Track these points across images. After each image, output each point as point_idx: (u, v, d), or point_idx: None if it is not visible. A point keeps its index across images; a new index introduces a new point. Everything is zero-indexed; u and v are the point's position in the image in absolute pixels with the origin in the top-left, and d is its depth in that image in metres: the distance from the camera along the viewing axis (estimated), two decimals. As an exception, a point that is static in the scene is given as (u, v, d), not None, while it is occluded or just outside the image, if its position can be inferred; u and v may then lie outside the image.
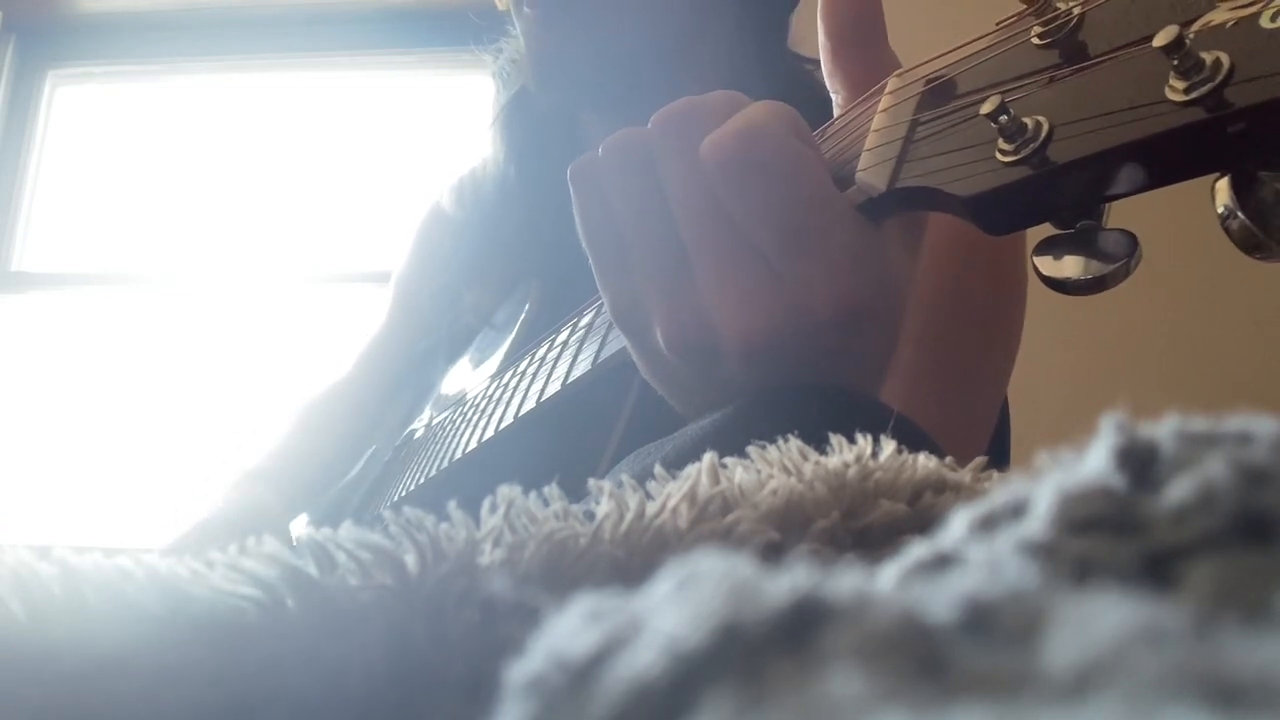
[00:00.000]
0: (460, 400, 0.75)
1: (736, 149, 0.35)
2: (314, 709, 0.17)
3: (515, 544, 0.19)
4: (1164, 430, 0.13)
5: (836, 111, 0.39)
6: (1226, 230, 0.27)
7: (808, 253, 0.34)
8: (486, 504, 0.19)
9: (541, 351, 0.62)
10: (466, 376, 0.81)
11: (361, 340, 0.96)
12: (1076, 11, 0.29)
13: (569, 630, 0.11)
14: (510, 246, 0.80)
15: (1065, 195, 0.29)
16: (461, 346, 0.85)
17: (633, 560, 0.19)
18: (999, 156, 0.29)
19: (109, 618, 0.16)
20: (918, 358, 0.58)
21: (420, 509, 0.19)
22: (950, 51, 0.34)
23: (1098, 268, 0.29)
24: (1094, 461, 0.13)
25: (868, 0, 0.38)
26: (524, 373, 0.62)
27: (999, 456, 0.72)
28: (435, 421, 0.78)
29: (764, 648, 0.10)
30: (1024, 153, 0.29)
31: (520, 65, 0.79)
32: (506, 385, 0.65)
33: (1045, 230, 0.31)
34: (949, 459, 0.24)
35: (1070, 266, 0.29)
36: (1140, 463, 0.12)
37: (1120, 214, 0.32)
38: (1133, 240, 0.29)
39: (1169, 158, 0.27)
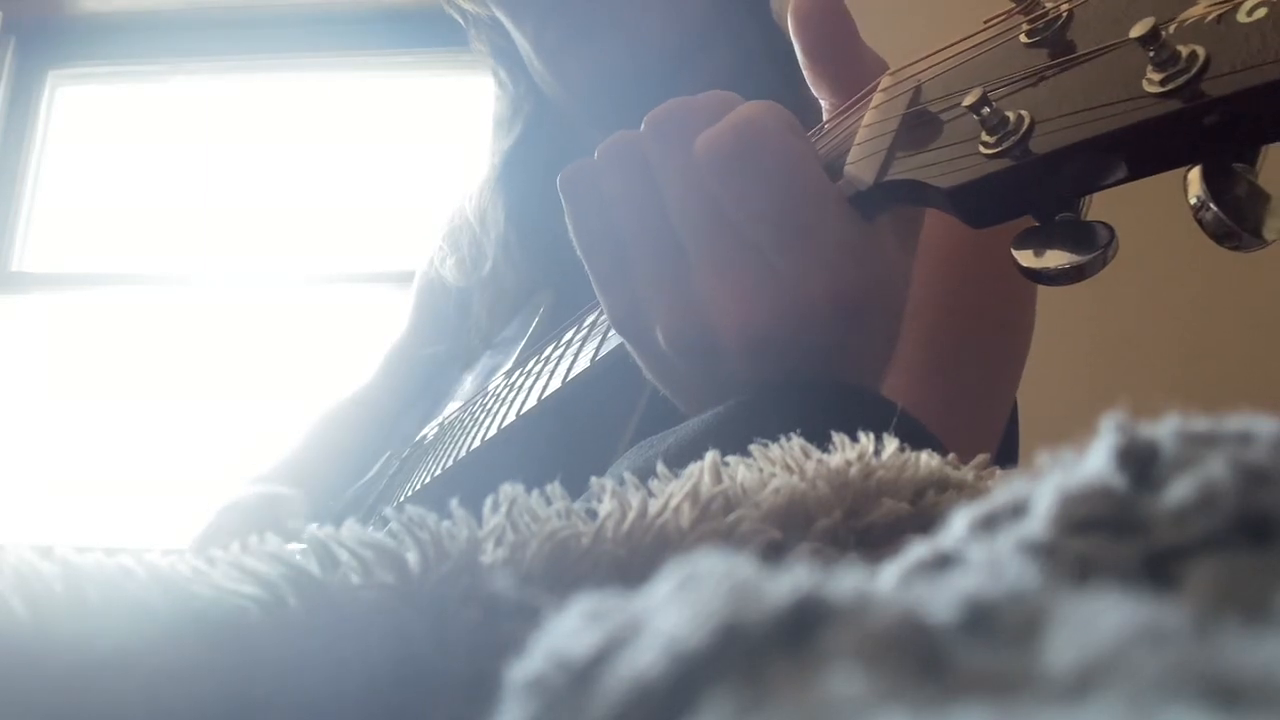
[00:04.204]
0: (471, 399, 0.76)
1: (731, 144, 0.35)
2: (315, 707, 0.17)
3: (517, 543, 0.19)
4: (1164, 430, 0.13)
5: (825, 116, 0.40)
6: (1199, 221, 0.27)
7: (802, 246, 0.35)
8: (489, 502, 0.19)
9: (548, 351, 0.62)
10: (479, 378, 0.81)
11: (384, 345, 0.97)
12: (1065, 9, 0.30)
13: (570, 630, 0.11)
14: (516, 296, 0.80)
15: (1045, 187, 0.29)
16: (477, 354, 0.85)
17: (634, 559, 0.19)
18: (981, 149, 0.30)
19: (111, 616, 0.16)
20: (928, 359, 0.58)
21: (426, 507, 0.19)
22: (942, 50, 0.34)
23: (1075, 258, 0.29)
24: (1094, 461, 0.13)
25: (834, 10, 0.38)
26: (531, 371, 0.63)
27: (1008, 458, 0.72)
28: (447, 420, 0.79)
29: (764, 648, 0.10)
30: (1005, 145, 0.29)
31: (517, 98, 0.80)
32: (514, 385, 0.65)
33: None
34: (951, 456, 0.24)
35: (1048, 257, 0.30)
36: (1141, 463, 0.12)
37: (1120, 210, 0.32)
38: (1109, 231, 0.29)
39: (1146, 149, 0.27)
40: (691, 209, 0.36)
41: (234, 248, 1.91)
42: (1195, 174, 0.27)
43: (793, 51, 0.39)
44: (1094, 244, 0.29)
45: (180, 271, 1.90)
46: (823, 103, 0.40)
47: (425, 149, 1.90)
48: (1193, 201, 0.27)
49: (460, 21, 0.82)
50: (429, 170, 1.87)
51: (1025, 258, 0.30)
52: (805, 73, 0.39)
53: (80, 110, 2.03)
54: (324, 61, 1.98)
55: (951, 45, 0.34)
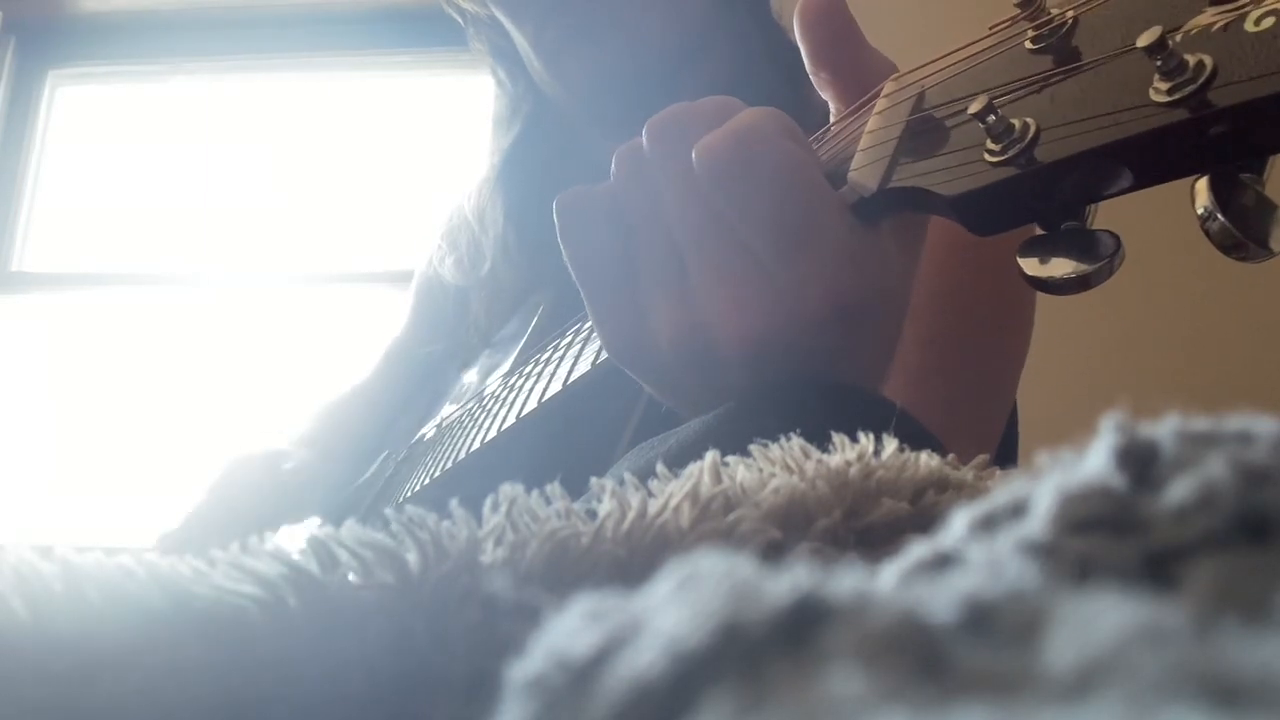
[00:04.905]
0: (470, 401, 0.76)
1: (730, 151, 0.35)
2: (315, 707, 0.17)
3: (517, 543, 0.19)
4: (1164, 430, 0.13)
5: (832, 119, 0.40)
6: (1206, 231, 0.27)
7: (800, 252, 0.34)
8: (489, 502, 0.19)
9: (547, 353, 0.62)
10: (478, 377, 0.81)
11: (382, 344, 0.97)
12: (1070, 16, 0.29)
13: (569, 630, 0.11)
14: (514, 295, 0.80)
15: (1050, 195, 0.29)
16: (476, 353, 0.86)
17: (634, 559, 0.19)
18: (986, 157, 0.30)
19: (110, 616, 0.16)
20: (928, 359, 0.58)
21: (426, 509, 0.19)
22: (945, 56, 0.34)
23: (1081, 267, 0.29)
24: (1094, 461, 0.13)
25: (838, 15, 0.38)
26: (530, 374, 0.63)
27: (1008, 458, 0.72)
28: (445, 422, 0.79)
29: (764, 648, 0.10)
30: (1010, 153, 0.29)
31: (519, 96, 0.80)
32: (513, 386, 0.65)
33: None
34: (951, 456, 0.24)
35: (1054, 266, 0.30)
36: (1140, 462, 0.12)
37: (1121, 214, 0.32)
38: (1115, 240, 0.29)
39: (1152, 158, 0.27)
40: (690, 215, 0.36)
41: (234, 247, 1.91)
42: (1202, 184, 0.27)
43: (794, 51, 0.39)
44: (1100, 253, 0.29)
45: (180, 271, 1.90)
46: (830, 106, 0.40)
47: (425, 149, 1.90)
48: (1199, 212, 0.27)
49: (459, 21, 0.82)
50: (429, 170, 1.87)
51: (1030, 266, 0.30)
52: (811, 76, 0.39)
53: (80, 110, 2.03)
54: (324, 61, 1.98)
55: (956, 51, 0.34)
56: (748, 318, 0.35)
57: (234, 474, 0.83)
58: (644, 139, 0.38)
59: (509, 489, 0.20)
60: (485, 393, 0.72)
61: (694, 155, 0.36)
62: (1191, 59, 0.25)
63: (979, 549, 0.12)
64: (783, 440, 0.23)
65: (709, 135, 0.36)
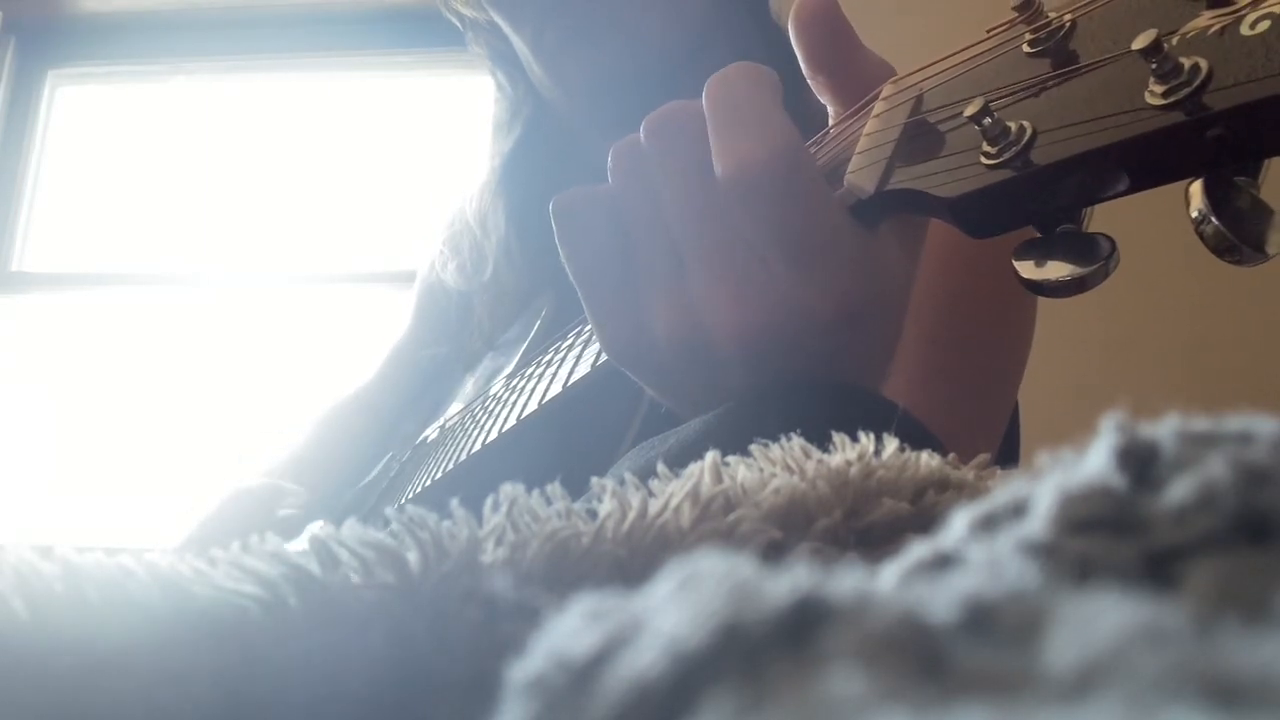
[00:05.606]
0: (472, 402, 0.76)
1: (765, 173, 0.34)
2: (316, 707, 0.17)
3: (518, 543, 0.19)
4: (1164, 430, 0.13)
5: (831, 122, 0.40)
6: (1200, 234, 0.27)
7: (801, 254, 0.34)
8: (489, 502, 0.19)
9: (549, 355, 0.62)
10: (481, 380, 0.81)
11: (384, 346, 0.97)
12: (1068, 19, 0.30)
13: (570, 630, 0.11)
14: (518, 298, 0.80)
15: (1046, 198, 0.29)
16: (479, 356, 0.86)
17: (635, 559, 0.19)
18: (983, 160, 0.30)
19: (111, 616, 0.16)
20: (928, 360, 0.58)
21: (427, 508, 0.19)
22: (943, 59, 0.34)
23: (1076, 270, 0.29)
24: (1094, 461, 0.13)
25: (832, 19, 0.38)
26: (532, 375, 0.63)
27: (1008, 458, 0.72)
28: (448, 424, 0.79)
29: (764, 648, 0.10)
30: (1006, 155, 0.29)
31: (518, 99, 0.79)
32: (515, 388, 0.65)
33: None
34: (952, 456, 0.24)
35: (1050, 269, 0.30)
36: (1141, 463, 0.12)
37: (1117, 217, 0.32)
38: (1110, 243, 0.29)
39: (1147, 161, 0.27)
40: (688, 212, 0.36)
41: (234, 247, 1.91)
42: (1197, 187, 0.27)
43: (793, 52, 0.39)
44: (1095, 256, 0.29)
45: (180, 271, 1.90)
46: (828, 109, 0.40)
47: (425, 149, 1.90)
48: (1194, 215, 0.27)
49: (458, 25, 0.82)
50: (429, 170, 1.87)
51: (1026, 269, 0.30)
52: (808, 79, 0.39)
53: (80, 110, 2.03)
54: (324, 61, 1.98)
55: (954, 54, 0.34)
56: (747, 315, 0.35)
57: (229, 508, 0.81)
58: (641, 135, 0.38)
59: (509, 489, 0.20)
60: (488, 394, 0.72)
61: (725, 170, 0.35)
62: (1187, 62, 0.25)
63: (979, 549, 0.12)
64: (783, 440, 0.23)
65: (742, 149, 0.35)
